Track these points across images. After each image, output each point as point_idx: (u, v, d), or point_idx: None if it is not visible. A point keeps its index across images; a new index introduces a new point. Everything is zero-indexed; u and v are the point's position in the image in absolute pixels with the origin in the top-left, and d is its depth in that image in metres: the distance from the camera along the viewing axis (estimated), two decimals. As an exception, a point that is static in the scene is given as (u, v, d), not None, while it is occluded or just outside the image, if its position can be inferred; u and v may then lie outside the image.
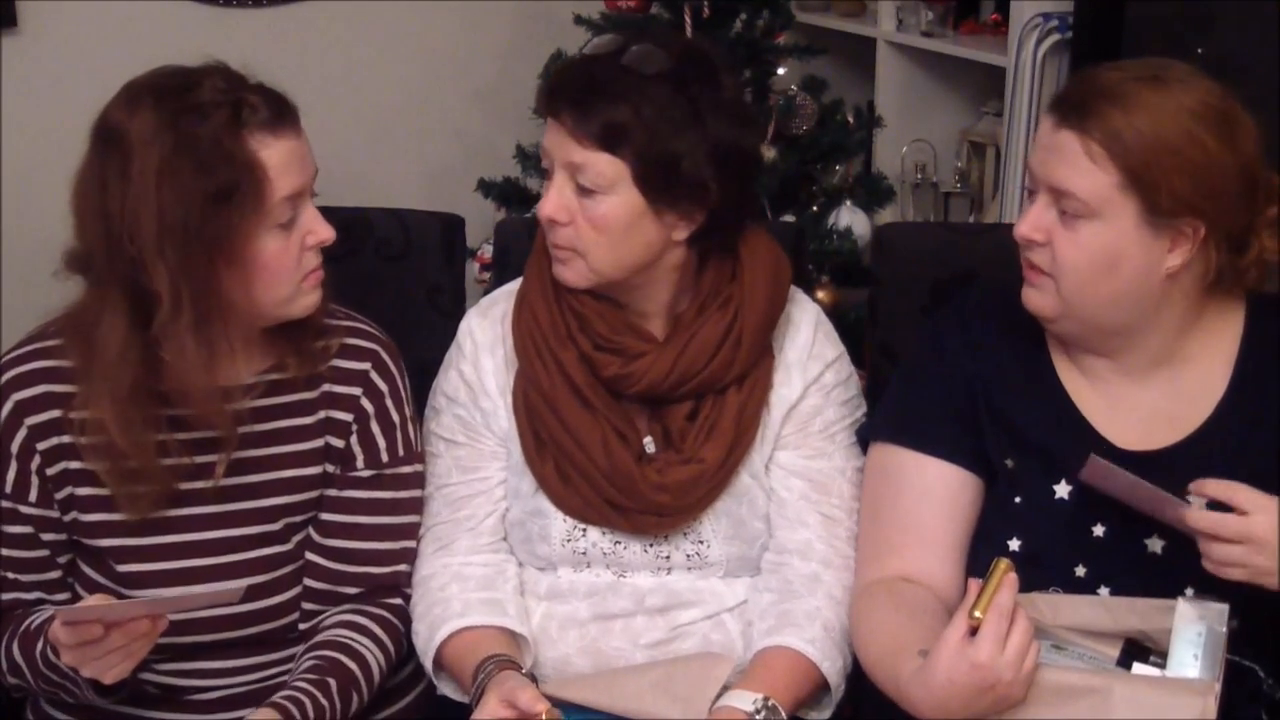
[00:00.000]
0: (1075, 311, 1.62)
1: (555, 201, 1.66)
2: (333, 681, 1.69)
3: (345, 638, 1.74)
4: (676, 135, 1.61)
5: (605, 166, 1.62)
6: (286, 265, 1.64)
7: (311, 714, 1.64)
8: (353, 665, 1.72)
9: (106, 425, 1.62)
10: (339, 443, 1.77)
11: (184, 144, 1.55)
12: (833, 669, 1.70)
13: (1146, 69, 1.58)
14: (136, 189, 1.55)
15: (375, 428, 1.78)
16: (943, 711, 1.44)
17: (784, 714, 1.64)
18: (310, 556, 1.78)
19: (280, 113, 1.63)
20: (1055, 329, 1.67)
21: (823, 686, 1.71)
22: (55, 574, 1.74)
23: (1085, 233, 1.56)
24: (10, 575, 1.72)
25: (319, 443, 1.76)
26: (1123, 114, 1.53)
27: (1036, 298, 1.63)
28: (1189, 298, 1.63)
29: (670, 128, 1.61)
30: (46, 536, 1.72)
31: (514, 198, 3.17)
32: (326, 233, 1.68)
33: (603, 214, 1.64)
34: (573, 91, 1.63)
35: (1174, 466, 1.62)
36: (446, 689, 1.79)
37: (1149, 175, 1.52)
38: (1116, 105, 1.54)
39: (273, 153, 1.60)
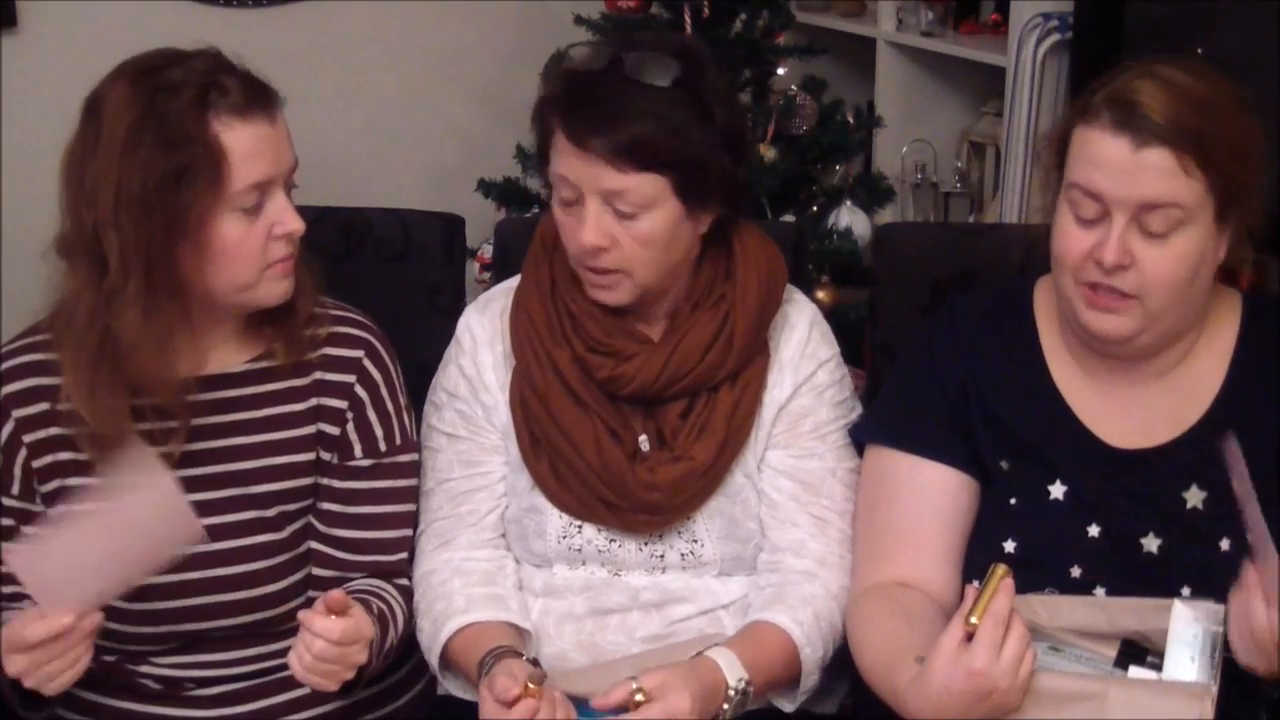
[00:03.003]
0: (1157, 327, 1.58)
1: (596, 229, 1.63)
2: (372, 602, 1.71)
3: (369, 586, 1.76)
4: (700, 137, 1.62)
5: (648, 187, 1.61)
6: (248, 251, 1.64)
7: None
8: (383, 602, 1.73)
9: (79, 404, 1.62)
10: (333, 430, 1.77)
11: (150, 118, 1.57)
12: (812, 655, 1.70)
13: (1201, 76, 1.54)
14: (102, 157, 1.57)
15: (372, 416, 1.78)
16: (940, 717, 1.44)
17: (751, 696, 1.64)
18: (317, 547, 1.78)
19: (254, 99, 1.62)
20: (1125, 349, 1.62)
21: (799, 675, 1.71)
22: None
23: (1177, 243, 1.52)
24: None
25: (311, 429, 1.76)
26: (1206, 122, 1.49)
27: (1116, 324, 1.57)
28: (1209, 291, 1.62)
29: (694, 132, 1.62)
30: (28, 530, 1.71)
31: (514, 198, 3.17)
32: (295, 224, 1.67)
33: (648, 231, 1.63)
34: (592, 117, 1.60)
35: (1167, 465, 1.63)
36: (451, 686, 1.80)
37: (1234, 179, 1.51)
38: (1200, 115, 1.49)
39: (237, 137, 1.60)
